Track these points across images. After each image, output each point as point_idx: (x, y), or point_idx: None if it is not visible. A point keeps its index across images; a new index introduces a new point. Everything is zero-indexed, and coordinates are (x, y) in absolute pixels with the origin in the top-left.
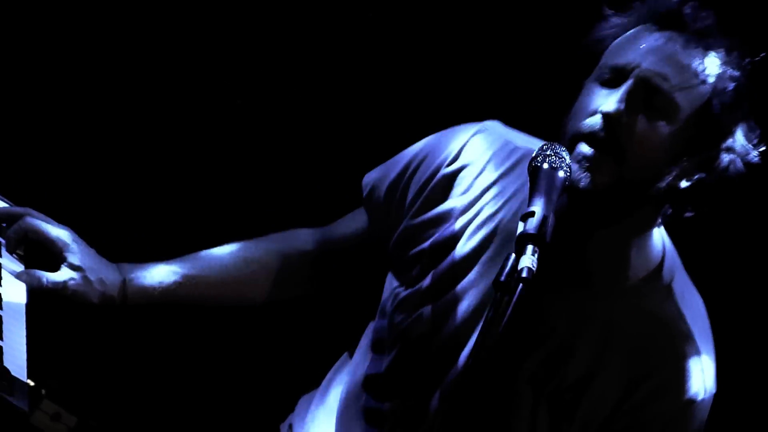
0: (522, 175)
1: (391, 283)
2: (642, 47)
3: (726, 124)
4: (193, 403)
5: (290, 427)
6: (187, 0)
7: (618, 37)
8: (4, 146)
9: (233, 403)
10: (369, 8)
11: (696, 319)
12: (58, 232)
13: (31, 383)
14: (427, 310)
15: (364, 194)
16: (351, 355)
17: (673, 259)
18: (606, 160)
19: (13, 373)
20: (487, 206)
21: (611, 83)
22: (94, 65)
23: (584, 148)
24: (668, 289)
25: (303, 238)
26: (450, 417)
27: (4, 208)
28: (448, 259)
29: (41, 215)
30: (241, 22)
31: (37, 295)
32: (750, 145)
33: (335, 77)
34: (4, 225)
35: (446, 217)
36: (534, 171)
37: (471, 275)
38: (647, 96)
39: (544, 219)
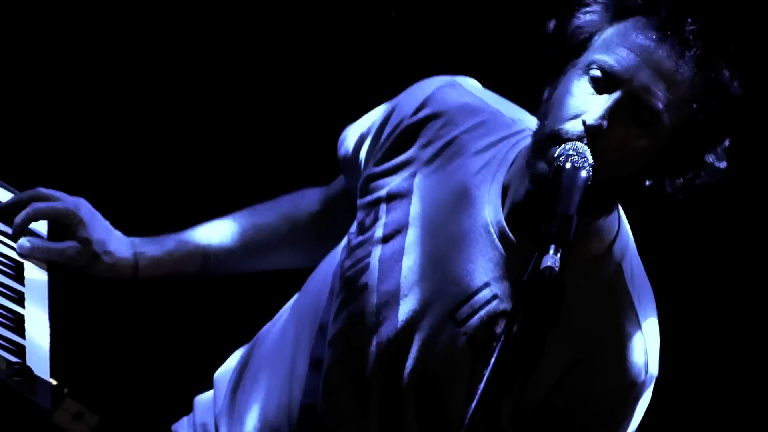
0: (487, 134)
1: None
2: (636, 54)
3: (705, 138)
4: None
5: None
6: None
7: (602, 24)
8: (7, 141)
9: None
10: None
11: (642, 301)
12: (66, 207)
13: (54, 382)
14: (373, 260)
15: (338, 145)
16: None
17: (626, 239)
18: None
19: (36, 372)
20: (446, 162)
21: (600, 86)
22: (90, 66)
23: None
24: (618, 268)
25: (309, 198)
26: (390, 386)
27: (11, 198)
28: (401, 212)
29: (50, 192)
30: (240, 20)
31: (54, 272)
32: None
33: (336, 77)
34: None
35: (405, 166)
36: (557, 171)
37: (420, 231)
38: (634, 108)
39: (567, 219)
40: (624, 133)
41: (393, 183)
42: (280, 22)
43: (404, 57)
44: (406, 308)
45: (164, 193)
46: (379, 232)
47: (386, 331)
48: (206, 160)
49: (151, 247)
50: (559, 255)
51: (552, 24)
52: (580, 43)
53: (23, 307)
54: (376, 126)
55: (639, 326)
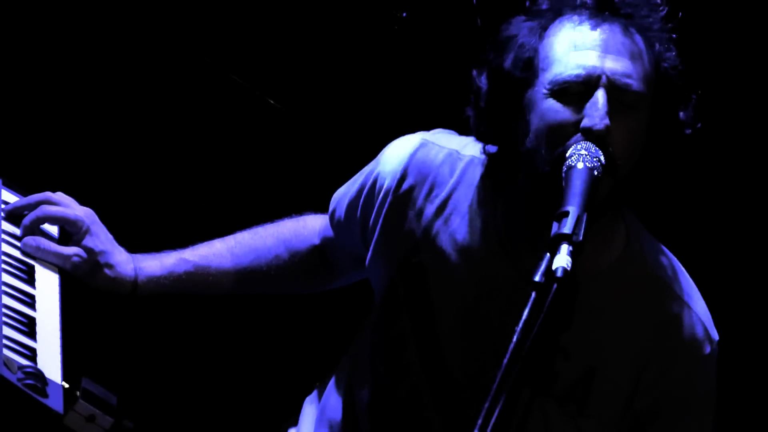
0: (471, 184)
1: (374, 306)
2: (592, 50)
3: (677, 88)
4: (227, 405)
5: None
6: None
7: (541, 40)
8: (15, 145)
9: (267, 406)
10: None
11: (674, 277)
12: (75, 215)
13: (66, 385)
14: (408, 339)
15: (329, 212)
16: (352, 361)
17: (636, 229)
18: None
19: (47, 375)
20: (445, 225)
21: (576, 94)
22: (92, 69)
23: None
24: (641, 260)
25: (310, 229)
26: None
27: (21, 199)
28: (419, 287)
29: (62, 197)
30: (240, 22)
31: (66, 275)
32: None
33: (339, 84)
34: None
35: (406, 241)
36: (568, 171)
37: (443, 301)
38: (618, 96)
39: (578, 218)
40: (624, 122)
41: (400, 260)
42: (285, 26)
43: (409, 60)
44: (455, 378)
45: (168, 206)
46: (404, 310)
47: (443, 403)
48: (211, 174)
49: (151, 265)
50: (571, 255)
51: (485, 70)
52: (526, 72)
53: (35, 309)
54: (362, 198)
55: (684, 303)
